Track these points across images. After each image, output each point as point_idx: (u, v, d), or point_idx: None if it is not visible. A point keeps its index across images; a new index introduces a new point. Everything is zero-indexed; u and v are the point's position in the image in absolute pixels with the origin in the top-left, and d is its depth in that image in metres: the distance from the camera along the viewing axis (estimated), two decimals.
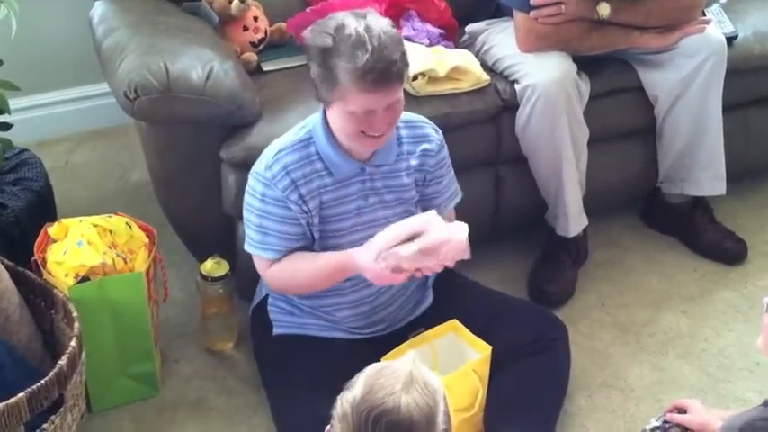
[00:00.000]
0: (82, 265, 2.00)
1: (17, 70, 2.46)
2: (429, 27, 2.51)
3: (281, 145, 1.94)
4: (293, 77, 2.41)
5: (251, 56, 2.47)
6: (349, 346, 2.04)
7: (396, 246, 1.83)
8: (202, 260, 2.27)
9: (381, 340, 2.04)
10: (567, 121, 2.31)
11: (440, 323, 2.05)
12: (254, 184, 1.94)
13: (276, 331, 2.10)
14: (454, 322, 2.05)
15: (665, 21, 2.40)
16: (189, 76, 2.11)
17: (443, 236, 1.84)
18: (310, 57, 1.85)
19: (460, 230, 1.86)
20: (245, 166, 2.03)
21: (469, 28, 2.55)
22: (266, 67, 2.47)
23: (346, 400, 1.38)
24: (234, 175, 2.17)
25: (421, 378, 1.39)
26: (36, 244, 2.09)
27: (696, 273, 2.58)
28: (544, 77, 2.28)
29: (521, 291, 2.47)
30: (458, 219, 2.14)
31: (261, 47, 2.52)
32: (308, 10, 2.56)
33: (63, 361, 1.80)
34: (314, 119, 1.95)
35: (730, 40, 2.51)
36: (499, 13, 2.52)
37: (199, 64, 2.15)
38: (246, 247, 1.99)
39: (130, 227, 2.14)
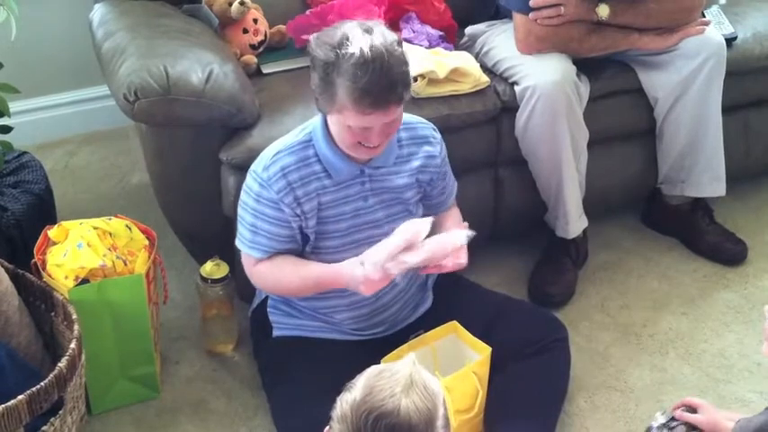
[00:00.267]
0: (82, 268, 2.01)
1: (17, 73, 2.46)
2: (429, 29, 2.51)
3: (280, 146, 1.94)
4: (293, 80, 2.41)
5: (250, 58, 2.47)
6: (349, 347, 2.04)
7: (398, 254, 1.84)
8: (202, 262, 2.27)
9: (381, 342, 2.04)
10: (567, 123, 2.31)
11: (440, 325, 2.05)
12: (250, 182, 1.95)
13: (276, 333, 2.10)
14: (454, 324, 2.05)
15: (665, 22, 2.40)
16: (189, 79, 2.12)
17: (445, 242, 1.86)
18: (312, 66, 1.84)
19: (459, 236, 1.89)
20: (244, 168, 2.03)
21: (469, 30, 2.55)
22: (266, 69, 2.48)
23: (346, 401, 1.38)
24: (233, 178, 2.17)
25: (421, 381, 1.39)
26: (36, 246, 2.09)
27: (696, 274, 2.58)
28: (544, 79, 2.28)
29: (521, 292, 2.47)
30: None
31: (260, 49, 2.52)
32: (307, 12, 2.56)
33: (63, 363, 1.80)
34: (314, 121, 1.96)
35: (730, 41, 2.51)
36: (499, 14, 2.52)
37: (198, 66, 2.15)
38: (237, 243, 2.00)
39: (130, 229, 2.14)
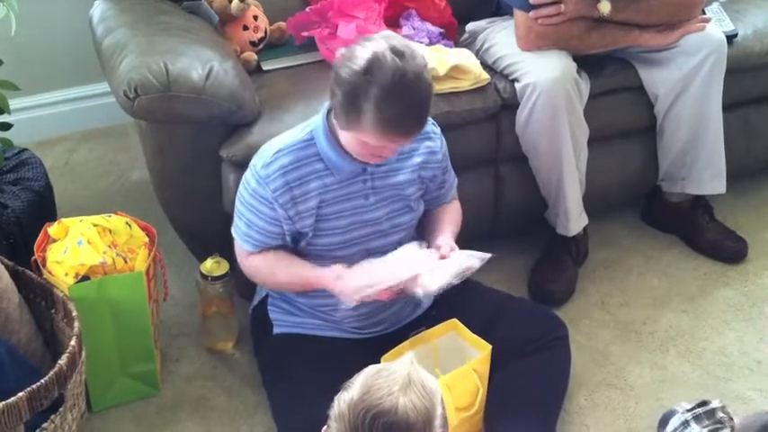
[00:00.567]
0: (82, 265, 2.00)
1: (17, 70, 2.46)
2: (429, 26, 2.51)
3: (281, 144, 1.94)
4: (293, 77, 2.41)
5: (251, 55, 2.47)
6: (349, 345, 2.04)
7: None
8: (202, 259, 2.27)
9: (382, 340, 2.04)
10: (567, 120, 2.31)
11: (440, 322, 2.05)
12: (249, 177, 1.95)
13: (276, 331, 2.10)
14: (454, 321, 2.05)
15: (666, 19, 2.40)
16: (189, 76, 2.11)
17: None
18: (337, 82, 1.80)
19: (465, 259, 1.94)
20: (245, 165, 2.03)
21: (470, 27, 2.55)
22: (266, 66, 2.47)
23: (343, 400, 1.38)
24: (234, 175, 2.17)
25: (419, 380, 1.39)
26: (36, 243, 2.09)
27: (696, 271, 2.58)
28: (544, 76, 2.28)
29: (521, 290, 2.47)
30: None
31: (261, 46, 2.52)
32: (307, 9, 2.56)
33: (63, 360, 1.80)
34: (316, 120, 1.95)
35: (730, 38, 2.50)
36: (499, 11, 2.51)
37: (199, 63, 2.15)
38: (232, 231, 2.02)
39: (130, 226, 2.14)
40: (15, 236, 2.25)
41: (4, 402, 1.70)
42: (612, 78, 2.47)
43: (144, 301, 2.07)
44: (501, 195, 2.49)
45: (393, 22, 2.52)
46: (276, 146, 1.94)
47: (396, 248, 2.04)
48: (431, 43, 2.44)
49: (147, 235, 2.16)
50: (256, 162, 1.95)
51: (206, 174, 2.23)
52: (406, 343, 1.98)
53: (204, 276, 2.24)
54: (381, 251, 2.00)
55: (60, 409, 1.83)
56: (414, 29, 2.48)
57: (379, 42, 1.79)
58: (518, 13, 2.36)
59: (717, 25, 2.50)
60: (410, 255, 1.95)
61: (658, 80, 2.45)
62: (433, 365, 1.98)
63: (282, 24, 2.57)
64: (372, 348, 1.94)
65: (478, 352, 2.00)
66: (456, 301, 2.11)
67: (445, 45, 2.46)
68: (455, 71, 2.31)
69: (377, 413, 1.35)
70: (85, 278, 2.01)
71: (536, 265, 2.52)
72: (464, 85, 2.32)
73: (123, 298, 2.05)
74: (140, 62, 2.12)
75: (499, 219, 2.51)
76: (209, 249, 2.26)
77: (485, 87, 2.35)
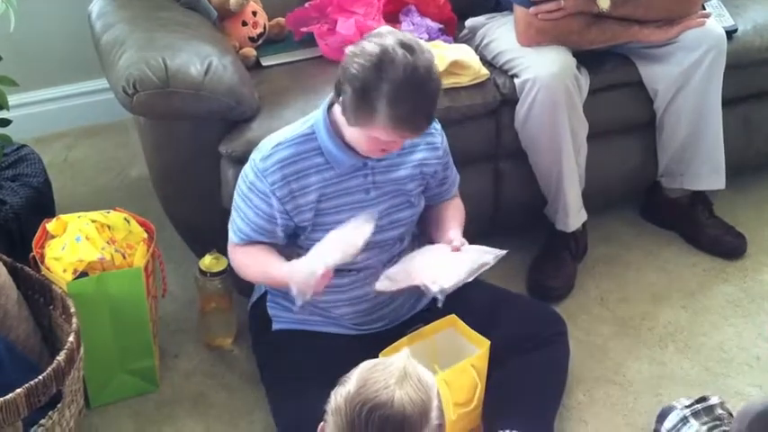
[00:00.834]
0: (80, 261, 2.00)
1: (16, 66, 2.46)
2: (428, 22, 2.51)
3: (280, 138, 1.94)
4: (292, 72, 2.41)
5: (250, 51, 2.46)
6: (348, 341, 2.04)
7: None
8: (201, 256, 2.27)
9: (381, 336, 2.04)
10: (567, 116, 2.30)
11: (439, 318, 2.05)
12: (247, 170, 1.96)
13: (275, 327, 2.10)
14: (453, 317, 2.05)
15: (665, 14, 2.40)
16: (188, 71, 2.11)
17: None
18: (349, 81, 1.79)
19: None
20: (244, 160, 2.03)
21: (469, 22, 2.54)
22: (265, 61, 2.47)
23: (340, 394, 1.39)
24: (233, 170, 2.17)
25: (414, 373, 1.40)
26: (34, 240, 2.09)
27: (695, 267, 2.58)
28: (544, 71, 2.27)
29: (520, 286, 2.47)
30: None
31: (259, 42, 2.51)
32: (306, 5, 2.56)
33: (61, 357, 1.80)
34: (316, 114, 1.95)
35: (730, 33, 2.50)
36: (499, 7, 2.51)
37: (197, 59, 2.14)
38: (228, 224, 2.02)
39: (129, 222, 2.14)
40: (14, 232, 2.25)
41: (2, 398, 1.69)
42: (612, 74, 2.47)
43: (142, 297, 2.07)
44: (500, 191, 2.49)
45: (392, 18, 2.52)
46: (275, 140, 1.94)
47: (396, 244, 2.04)
48: (430, 39, 2.44)
49: (146, 231, 2.16)
50: (255, 156, 1.95)
51: (205, 170, 2.23)
52: (404, 339, 1.98)
53: (203, 272, 2.24)
54: (380, 246, 2.00)
55: (58, 406, 1.83)
56: (413, 24, 2.48)
57: (387, 37, 1.79)
58: (518, 9, 2.36)
59: (716, 20, 2.49)
60: (426, 257, 1.97)
61: (658, 75, 2.45)
62: (431, 361, 1.97)
63: (281, 20, 2.57)
64: (371, 345, 1.94)
65: (477, 348, 2.00)
66: (455, 298, 2.11)
67: (444, 41, 2.45)
68: (455, 67, 2.31)
69: (373, 406, 1.36)
70: (84, 274, 2.01)
71: (535, 261, 2.52)
72: (464, 80, 2.32)
73: (122, 294, 2.05)
74: (139, 58, 2.12)
75: (498, 214, 2.51)
76: (208, 245, 2.26)
77: (484, 83, 2.35)
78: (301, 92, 2.27)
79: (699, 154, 2.52)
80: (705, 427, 1.88)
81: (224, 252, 2.22)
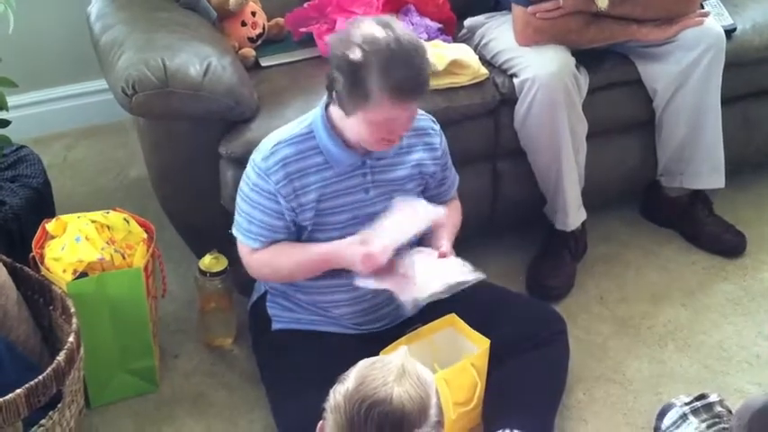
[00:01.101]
0: (80, 261, 2.00)
1: (15, 67, 2.46)
2: (427, 21, 2.51)
3: (280, 137, 1.94)
4: (291, 72, 2.41)
5: (249, 51, 2.46)
6: (348, 341, 2.04)
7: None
8: (201, 256, 2.27)
9: (380, 336, 2.04)
10: (566, 115, 2.30)
11: (438, 318, 2.05)
12: (249, 171, 1.95)
13: (275, 326, 2.10)
14: (453, 317, 2.05)
15: (664, 13, 2.40)
16: (187, 72, 2.11)
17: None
18: (336, 67, 1.82)
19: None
20: (243, 161, 2.03)
21: (468, 22, 2.54)
22: (264, 62, 2.47)
23: (339, 392, 1.40)
24: (232, 171, 2.17)
25: (413, 370, 1.40)
26: (34, 240, 2.09)
27: (695, 266, 2.58)
28: (543, 71, 2.27)
29: (519, 285, 2.47)
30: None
31: (259, 42, 2.51)
32: (305, 5, 2.56)
33: (61, 357, 1.80)
34: (314, 113, 1.95)
35: (729, 32, 2.50)
36: (498, 6, 2.51)
37: (197, 59, 2.15)
38: (234, 230, 2.01)
39: (128, 222, 2.14)
40: (13, 233, 2.24)
41: (2, 399, 1.69)
42: (611, 73, 2.47)
43: (142, 297, 2.07)
44: (499, 190, 2.49)
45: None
46: (275, 139, 1.94)
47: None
48: (429, 38, 2.44)
49: (146, 231, 2.16)
50: (255, 156, 1.95)
51: (204, 170, 2.23)
52: (404, 338, 1.99)
53: (203, 272, 2.24)
54: None
55: (59, 406, 1.83)
56: (412, 24, 2.48)
57: (363, 20, 1.84)
58: (516, 8, 2.36)
59: (715, 19, 2.50)
60: (409, 211, 1.96)
61: (657, 74, 2.45)
62: (431, 361, 1.98)
63: (280, 20, 2.57)
64: (371, 344, 1.94)
65: (477, 347, 2.01)
66: (454, 297, 2.11)
67: (444, 40, 2.45)
68: (454, 66, 2.31)
69: (372, 403, 1.36)
70: (83, 274, 2.01)
71: (534, 261, 2.52)
72: (463, 80, 2.32)
73: (121, 294, 2.05)
74: (138, 58, 2.12)
75: (498, 214, 2.51)
76: (208, 245, 2.26)
77: (483, 82, 2.35)
78: (300, 92, 2.27)
79: (698, 153, 2.52)
80: (704, 425, 1.87)
81: (224, 252, 2.23)
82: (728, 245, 2.60)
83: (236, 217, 2.00)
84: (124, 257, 2.07)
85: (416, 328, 2.04)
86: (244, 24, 2.49)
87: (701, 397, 1.93)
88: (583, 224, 2.50)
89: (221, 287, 2.25)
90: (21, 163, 2.43)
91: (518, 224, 2.59)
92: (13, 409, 1.70)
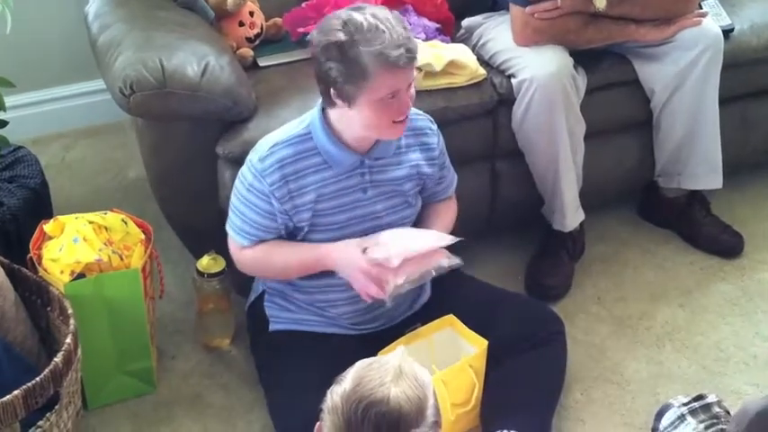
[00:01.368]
0: (77, 262, 2.00)
1: (12, 67, 2.46)
2: (425, 21, 2.51)
3: (277, 138, 1.94)
4: (289, 72, 2.41)
5: (247, 51, 2.46)
6: (346, 341, 2.04)
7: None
8: (199, 256, 2.27)
9: (378, 336, 2.04)
10: (564, 115, 2.30)
11: (436, 318, 2.05)
12: (245, 171, 1.96)
13: (273, 327, 2.10)
14: (451, 317, 2.06)
15: (662, 13, 2.40)
16: (184, 72, 2.11)
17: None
18: (327, 57, 1.82)
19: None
20: (241, 161, 2.03)
21: (466, 22, 2.54)
22: (262, 62, 2.47)
23: (336, 393, 1.40)
24: (230, 171, 2.17)
25: (410, 371, 1.41)
26: (32, 241, 2.09)
27: (693, 266, 2.58)
28: (541, 71, 2.27)
29: (517, 285, 2.47)
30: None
31: (257, 42, 2.51)
32: (303, 5, 2.55)
33: (58, 358, 1.80)
34: (312, 114, 1.95)
35: (727, 32, 2.50)
36: (496, 6, 2.51)
37: (194, 59, 2.14)
38: (226, 226, 2.02)
39: (126, 223, 2.14)
40: (11, 233, 2.24)
41: None
42: (609, 73, 2.47)
43: (140, 298, 2.07)
44: (497, 191, 2.49)
45: None
46: (272, 140, 1.94)
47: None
48: (427, 39, 2.44)
49: (144, 232, 2.16)
50: (252, 156, 1.95)
51: (202, 170, 2.23)
52: (402, 339, 1.99)
53: (200, 273, 2.24)
54: None
55: (56, 407, 1.83)
56: (410, 24, 2.48)
57: (337, 12, 1.87)
58: (514, 9, 2.36)
59: (713, 20, 2.49)
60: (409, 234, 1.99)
61: (655, 75, 2.45)
62: (429, 361, 1.98)
63: (278, 20, 2.57)
64: (369, 344, 1.94)
65: (475, 348, 2.01)
66: (452, 297, 2.12)
67: (442, 40, 2.45)
68: (452, 67, 2.31)
69: (369, 404, 1.36)
70: (81, 276, 2.01)
71: (532, 261, 2.53)
72: (460, 80, 2.32)
73: (119, 295, 2.05)
74: (136, 58, 2.12)
75: (495, 214, 2.51)
76: (206, 246, 2.26)
77: (481, 83, 2.35)
78: (298, 92, 2.27)
79: (696, 153, 2.52)
80: (702, 425, 1.87)
81: (222, 252, 2.23)
82: (726, 245, 2.60)
83: (230, 213, 2.01)
84: (122, 258, 2.07)
85: (414, 329, 2.04)
86: (241, 24, 2.48)
87: (699, 398, 1.93)
88: (581, 224, 2.50)
89: (219, 288, 2.25)
90: (18, 163, 2.43)
91: (516, 224, 2.59)
92: (10, 411, 1.70)
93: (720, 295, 2.48)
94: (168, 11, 2.40)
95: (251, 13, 2.50)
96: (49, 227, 2.09)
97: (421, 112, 2.07)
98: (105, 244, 2.07)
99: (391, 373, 1.40)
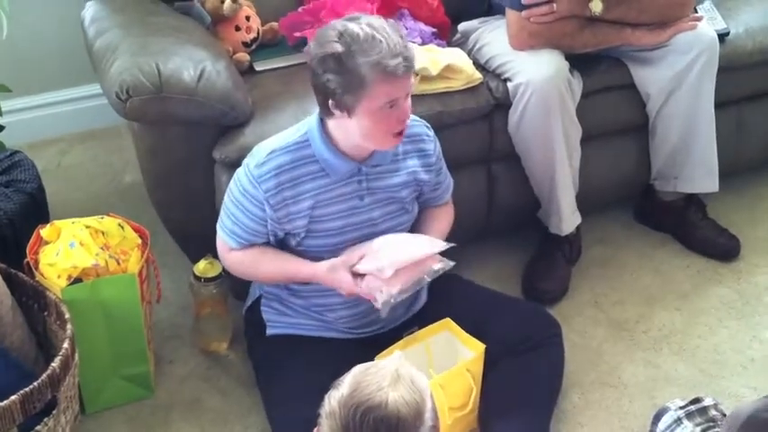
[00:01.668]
0: (74, 267, 2.00)
1: (9, 71, 2.46)
2: (421, 26, 2.51)
3: (275, 144, 1.94)
4: (285, 77, 2.41)
5: (243, 56, 2.46)
6: (343, 345, 2.04)
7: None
8: (195, 261, 2.26)
9: (375, 340, 2.04)
10: (560, 119, 2.31)
11: (434, 322, 2.05)
12: (241, 175, 1.96)
13: (270, 332, 2.10)
14: (448, 321, 2.06)
15: (657, 17, 2.40)
16: (181, 77, 2.11)
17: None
18: (325, 69, 1.82)
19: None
20: (237, 165, 2.03)
21: (462, 26, 2.55)
22: (258, 66, 2.47)
23: (334, 398, 1.40)
24: (227, 176, 2.16)
25: (407, 375, 1.41)
26: (28, 246, 2.09)
27: (689, 269, 2.58)
28: (537, 75, 2.28)
29: (514, 289, 2.47)
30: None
31: (253, 46, 2.52)
32: (300, 9, 2.56)
33: (56, 363, 1.80)
34: (309, 122, 1.95)
35: (722, 36, 2.51)
36: (492, 11, 2.52)
37: (191, 64, 2.15)
38: (217, 225, 2.03)
39: (123, 228, 2.14)
40: (7, 238, 2.24)
41: None
42: (605, 77, 2.47)
43: (137, 302, 2.07)
44: (494, 194, 2.49)
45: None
46: (270, 146, 1.94)
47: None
48: (423, 43, 2.44)
49: (140, 236, 2.16)
50: (249, 162, 1.95)
51: (199, 175, 2.23)
52: (399, 343, 1.99)
53: (197, 278, 2.24)
54: None
55: (54, 412, 1.83)
56: (406, 29, 2.48)
57: (332, 23, 1.87)
58: (510, 13, 2.36)
59: (709, 23, 2.50)
60: (404, 240, 1.99)
61: (650, 79, 2.46)
62: (426, 365, 1.98)
63: (275, 25, 2.57)
64: (366, 348, 1.94)
65: (472, 351, 2.01)
66: (449, 301, 2.12)
67: (438, 45, 2.46)
68: (448, 71, 2.31)
69: (367, 408, 1.36)
70: (78, 280, 2.01)
71: (529, 264, 2.53)
72: (457, 84, 2.33)
73: (116, 300, 2.04)
74: (132, 63, 2.12)
75: (492, 218, 2.52)
76: (203, 251, 2.25)
77: (477, 87, 2.35)
78: (294, 97, 2.27)
79: (692, 157, 2.52)
80: (699, 429, 1.88)
81: (218, 257, 2.23)
82: (722, 248, 2.61)
83: (222, 214, 2.02)
84: (119, 263, 2.07)
85: (412, 333, 2.04)
86: (238, 29, 2.49)
87: (696, 401, 1.93)
88: (577, 228, 2.51)
89: (216, 292, 2.25)
90: (15, 168, 2.43)
91: (513, 227, 2.59)
92: (8, 416, 1.70)
93: (717, 298, 2.48)
94: (164, 16, 2.40)
95: (247, 18, 2.51)
96: (45, 231, 2.09)
97: (418, 117, 2.07)
98: (102, 248, 2.07)
99: (389, 377, 1.40)
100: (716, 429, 1.87)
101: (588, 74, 2.42)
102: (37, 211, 2.37)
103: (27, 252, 2.08)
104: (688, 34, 2.41)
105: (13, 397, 1.71)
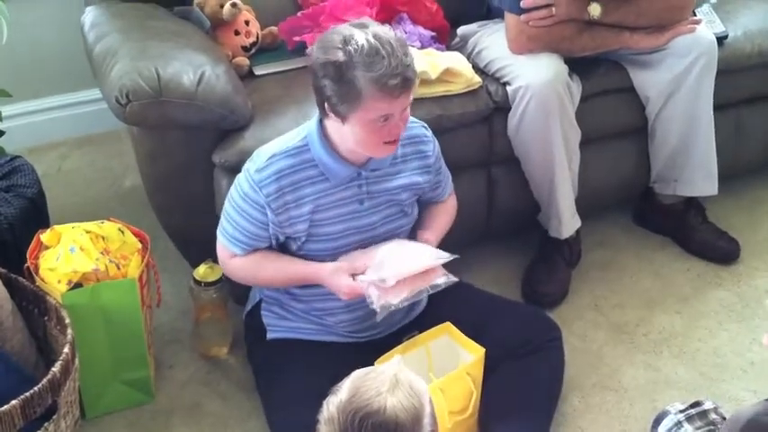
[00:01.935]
0: (75, 272, 2.00)
1: (9, 76, 2.47)
2: (421, 29, 2.51)
3: (275, 149, 1.94)
4: (285, 81, 2.41)
5: (242, 60, 2.47)
6: (343, 349, 2.04)
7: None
8: (196, 265, 2.27)
9: (375, 344, 2.04)
10: (560, 123, 2.31)
11: (434, 326, 2.05)
12: (242, 180, 1.96)
13: (270, 336, 2.10)
14: (448, 325, 2.05)
15: (656, 21, 2.41)
16: (180, 81, 2.11)
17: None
18: (324, 74, 1.82)
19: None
20: (237, 170, 2.03)
21: (461, 30, 2.55)
22: (258, 71, 2.47)
23: (332, 403, 1.40)
24: (227, 180, 2.17)
25: (406, 380, 1.41)
26: (29, 250, 2.09)
27: (689, 272, 2.58)
28: (536, 79, 2.28)
29: (514, 292, 2.47)
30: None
31: (252, 51, 2.52)
32: (299, 14, 2.56)
33: (56, 368, 1.80)
34: (309, 126, 1.96)
35: (721, 39, 2.51)
36: (491, 14, 2.52)
37: (190, 68, 2.15)
38: (217, 232, 2.02)
39: (123, 233, 2.14)
40: (8, 243, 2.24)
41: None
42: (604, 80, 2.48)
43: (137, 307, 2.07)
44: (494, 198, 2.49)
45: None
46: (270, 151, 1.94)
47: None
48: (422, 47, 2.45)
49: (140, 241, 2.16)
50: (250, 166, 1.95)
51: (198, 179, 2.23)
52: (399, 347, 1.99)
53: (198, 282, 2.24)
54: None
55: (54, 417, 1.83)
56: (405, 32, 2.48)
57: (339, 27, 1.85)
58: (509, 16, 2.37)
59: (707, 27, 2.51)
60: (406, 249, 1.98)
61: (649, 82, 2.46)
62: (426, 369, 1.98)
63: (274, 29, 2.57)
64: (366, 352, 1.94)
65: (472, 355, 2.01)
66: (449, 305, 2.12)
67: (437, 48, 2.46)
68: (447, 75, 2.32)
69: (366, 414, 1.36)
70: (78, 285, 2.01)
71: (529, 267, 2.53)
72: (456, 88, 2.33)
73: (116, 305, 2.04)
74: (132, 68, 2.12)
75: (492, 221, 2.52)
76: (203, 255, 2.25)
77: (477, 91, 2.36)
78: (294, 101, 2.27)
79: (691, 160, 2.52)
80: None
81: (218, 261, 2.23)
82: (722, 252, 2.61)
83: (222, 220, 2.01)
84: (119, 268, 2.07)
85: (412, 337, 2.04)
86: (237, 33, 2.49)
87: (696, 404, 1.93)
88: (577, 231, 2.51)
89: (216, 297, 2.25)
90: (15, 173, 2.42)
91: (513, 231, 2.59)
92: (8, 421, 1.70)
93: (717, 302, 2.49)
94: (164, 20, 2.40)
95: (247, 22, 2.51)
96: (45, 236, 2.09)
97: (415, 119, 2.08)
98: (102, 253, 2.07)
99: (387, 382, 1.40)
100: None
101: (587, 77, 2.42)
102: (37, 215, 2.36)
103: (27, 257, 2.08)
104: (687, 37, 2.41)
105: (13, 402, 1.71)
